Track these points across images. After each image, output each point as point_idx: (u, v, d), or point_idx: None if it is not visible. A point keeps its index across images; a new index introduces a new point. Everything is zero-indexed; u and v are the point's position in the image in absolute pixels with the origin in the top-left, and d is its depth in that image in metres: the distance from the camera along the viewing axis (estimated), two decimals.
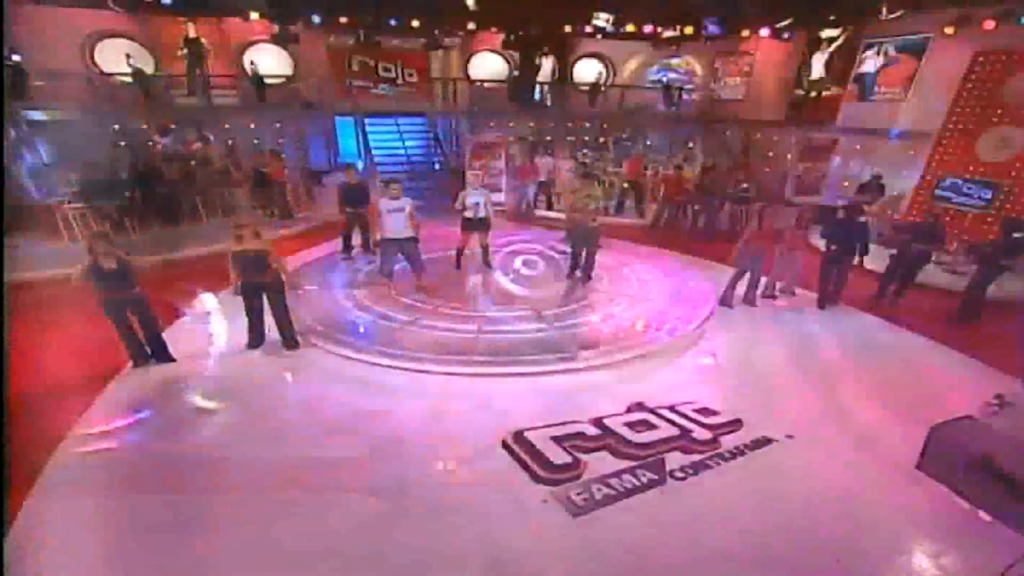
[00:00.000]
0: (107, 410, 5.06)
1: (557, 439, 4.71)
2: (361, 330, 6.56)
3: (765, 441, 4.87)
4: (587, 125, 17.89)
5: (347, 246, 9.28)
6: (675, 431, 4.93)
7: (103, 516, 3.86)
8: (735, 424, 5.09)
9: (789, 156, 14.45)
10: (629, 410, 5.27)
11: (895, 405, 5.48)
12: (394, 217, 7.15)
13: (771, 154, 15.56)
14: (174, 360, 5.83)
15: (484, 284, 8.18)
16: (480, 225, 8.30)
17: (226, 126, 14.35)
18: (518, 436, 4.73)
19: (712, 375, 6.07)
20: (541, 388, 5.58)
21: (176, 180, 11.29)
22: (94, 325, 5.45)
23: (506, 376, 5.75)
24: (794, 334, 7.11)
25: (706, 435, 4.88)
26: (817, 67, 13.66)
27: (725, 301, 7.77)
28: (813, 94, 13.95)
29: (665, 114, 17.95)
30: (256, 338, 6.09)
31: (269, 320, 6.12)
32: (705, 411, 5.28)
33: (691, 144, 16.93)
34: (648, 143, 16.54)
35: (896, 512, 4.12)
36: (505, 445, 4.64)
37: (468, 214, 8.15)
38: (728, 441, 4.85)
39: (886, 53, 12.23)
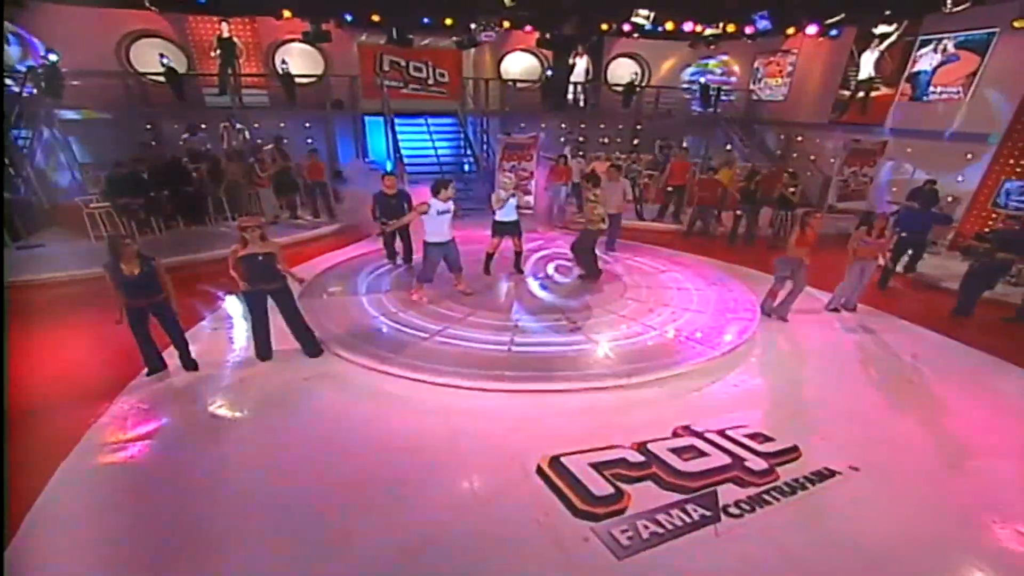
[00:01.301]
0: (118, 420, 4.81)
1: (597, 466, 4.30)
2: (386, 339, 6.21)
3: (828, 473, 4.38)
4: (620, 127, 17.50)
5: (391, 253, 8.86)
6: (727, 459, 4.47)
7: (105, 532, 3.58)
8: (793, 452, 4.61)
9: (833, 160, 13.80)
10: (675, 434, 4.82)
11: (975, 434, 4.93)
12: (443, 220, 6.82)
13: (812, 158, 14.90)
14: (197, 368, 5.57)
15: (515, 291, 7.79)
16: (512, 228, 7.96)
17: (256, 125, 14.28)
18: (554, 462, 4.32)
19: (763, 395, 5.58)
20: (578, 407, 5.17)
21: (204, 179, 11.16)
22: (112, 328, 5.22)
23: (540, 393, 5.35)
24: (853, 350, 6.56)
25: (761, 465, 4.41)
26: (866, 66, 12.95)
27: (764, 311, 7.27)
28: (860, 94, 13.23)
29: (701, 116, 17.44)
30: (263, 350, 5.77)
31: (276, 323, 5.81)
32: (758, 437, 4.81)
33: (729, 146, 16.31)
34: (684, 145, 15.95)
35: (982, 560, 3.59)
36: (540, 471, 4.24)
37: (499, 216, 7.82)
38: (786, 472, 4.37)
39: (944, 50, 11.50)
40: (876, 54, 12.71)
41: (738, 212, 10.95)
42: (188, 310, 6.51)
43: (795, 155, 15.67)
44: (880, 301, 8.15)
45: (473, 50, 16.11)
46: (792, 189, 10.33)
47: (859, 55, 13.16)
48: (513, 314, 6.92)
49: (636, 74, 17.76)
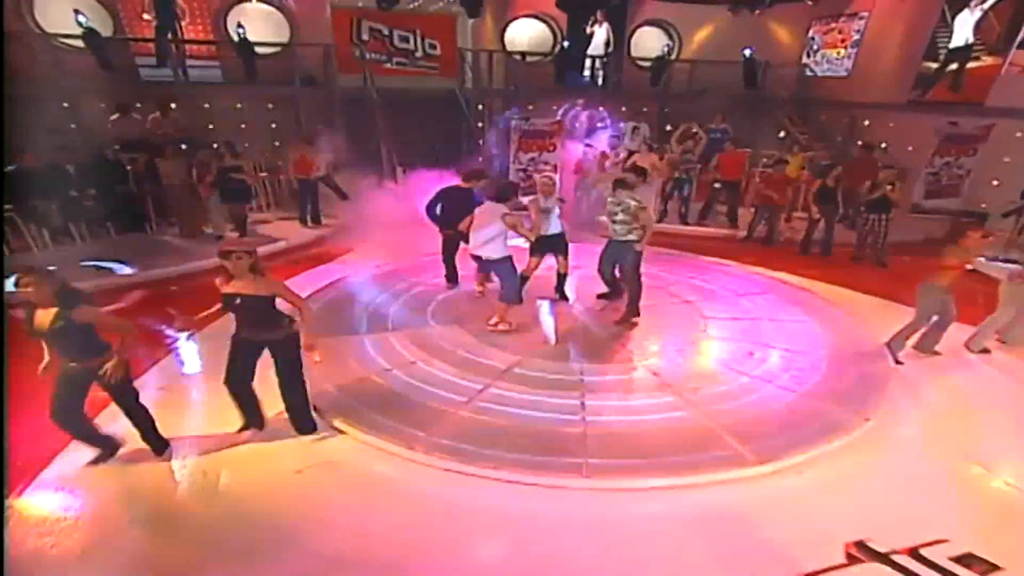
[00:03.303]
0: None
1: None
2: (407, 404, 5.11)
3: None
4: (644, 109, 16.55)
5: (452, 274, 7.86)
6: None
7: None
8: None
9: (911, 148, 12.94)
10: (850, 558, 3.72)
11: None
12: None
13: (883, 145, 13.98)
14: (168, 449, 4.43)
15: (566, 326, 6.79)
16: (557, 244, 7.10)
17: (205, 106, 13.00)
18: None
19: (947, 483, 4.49)
20: (690, 514, 4.07)
21: (143, 175, 9.88)
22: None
23: (630, 492, 4.27)
24: None
25: None
26: (963, 29, 12.03)
27: (893, 353, 6.27)
28: (954, 66, 12.32)
29: (745, 95, 16.52)
30: (251, 418, 4.61)
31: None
32: (973, 562, 3.72)
33: (782, 134, 15.39)
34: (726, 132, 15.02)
35: None
36: None
37: (541, 229, 6.90)
38: None
39: None
40: (977, 14, 11.77)
41: (815, 216, 9.96)
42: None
43: (859, 143, 14.82)
44: None
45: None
46: (889, 187, 9.33)
47: (952, 17, 12.23)
48: (573, 362, 5.91)
49: (668, 46, 16.79)
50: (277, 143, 13.06)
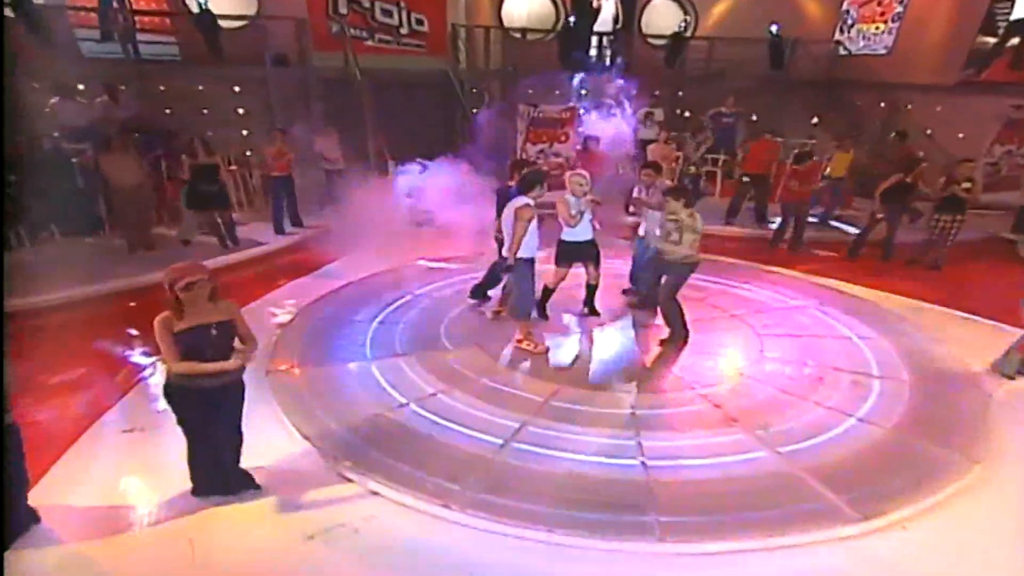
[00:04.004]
0: None
1: None
2: (431, 448, 4.77)
3: None
4: (657, 93, 16.30)
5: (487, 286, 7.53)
6: None
7: None
8: None
9: (961, 136, 12.86)
10: None
11: None
12: (534, 227, 6.07)
13: (928, 131, 13.87)
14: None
15: (603, 348, 6.54)
16: (588, 252, 6.88)
17: (161, 88, 12.51)
18: None
19: None
20: None
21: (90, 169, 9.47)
22: None
23: (710, 557, 3.92)
24: None
25: None
26: None
27: (1007, 374, 6.07)
28: (1016, 40, 12.22)
29: (771, 77, 16.37)
30: (218, 481, 4.21)
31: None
32: None
33: (815, 120, 15.22)
34: (753, 118, 14.82)
35: None
36: None
37: (569, 235, 6.73)
38: None
39: None
40: None
41: (879, 215, 9.74)
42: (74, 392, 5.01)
43: (898, 131, 14.73)
44: None
45: None
46: (967, 184, 9.09)
47: None
48: (619, 391, 5.63)
49: (684, 21, 16.63)
50: (246, 132, 12.65)
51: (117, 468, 4.54)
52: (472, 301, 7.45)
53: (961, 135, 13.02)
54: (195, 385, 3.81)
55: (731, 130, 13.04)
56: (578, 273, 7.04)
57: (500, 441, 4.80)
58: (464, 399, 5.38)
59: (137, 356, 6.08)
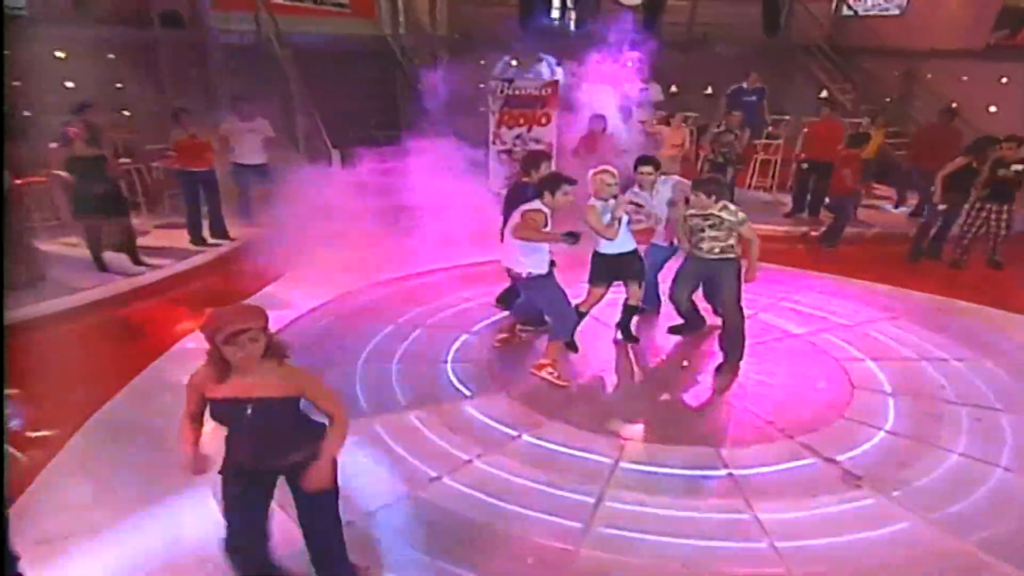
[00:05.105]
0: None
1: None
2: (480, 533, 4.25)
3: None
4: (629, 64, 16.20)
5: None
6: None
7: None
8: None
9: (993, 108, 13.22)
10: None
11: None
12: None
13: (954, 104, 14.16)
14: None
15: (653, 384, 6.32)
16: (625, 266, 6.66)
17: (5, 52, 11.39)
18: None
19: None
20: None
21: None
22: None
23: None
24: None
25: None
26: None
27: None
28: None
29: (765, 43, 16.55)
30: None
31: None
32: None
33: (824, 93, 15.39)
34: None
35: None
36: None
37: (606, 248, 6.52)
38: None
39: None
40: None
41: (940, 206, 9.78)
42: None
43: (916, 103, 15.06)
44: None
45: None
46: (1018, 167, 9.20)
47: None
48: (702, 444, 5.29)
49: None
50: (127, 112, 11.72)
51: None
52: (499, 312, 7.35)
53: (993, 108, 13.34)
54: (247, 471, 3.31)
55: (754, 110, 12.94)
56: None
57: (579, 524, 4.30)
58: (511, 465, 4.89)
59: None
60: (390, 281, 8.18)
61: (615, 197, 6.28)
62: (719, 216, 6.05)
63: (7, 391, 3.41)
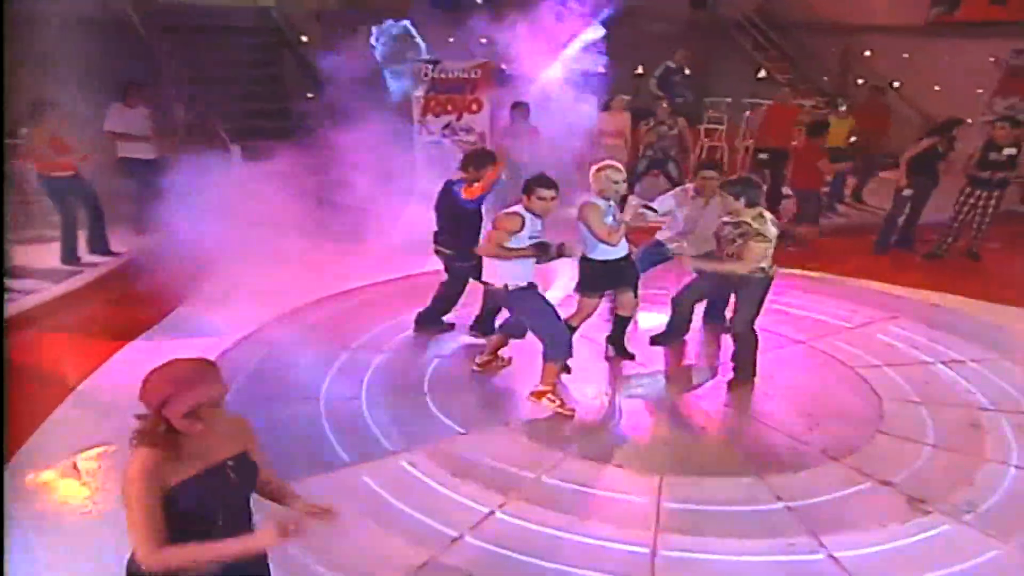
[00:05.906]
0: None
1: None
2: None
3: None
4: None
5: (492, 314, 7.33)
6: None
7: None
8: None
9: (937, 87, 13.91)
10: None
11: None
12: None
13: (896, 84, 14.89)
14: None
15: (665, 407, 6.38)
16: (620, 273, 6.67)
17: None
18: None
19: None
20: None
21: None
22: None
23: None
24: None
25: None
26: None
27: None
28: None
29: (689, 18, 16.92)
30: None
31: None
32: None
33: (762, 73, 15.86)
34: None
35: None
36: None
37: (597, 253, 6.48)
38: None
39: None
40: None
41: (905, 191, 10.28)
42: None
43: (860, 81, 15.67)
44: None
45: None
46: (1011, 151, 9.64)
47: None
48: (741, 474, 5.28)
49: None
50: None
51: None
52: (471, 338, 7.30)
53: (937, 87, 14.03)
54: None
55: (686, 92, 13.17)
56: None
57: None
58: (537, 514, 4.68)
59: None
60: (329, 299, 7.93)
61: (615, 197, 6.35)
62: (750, 225, 6.00)
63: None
